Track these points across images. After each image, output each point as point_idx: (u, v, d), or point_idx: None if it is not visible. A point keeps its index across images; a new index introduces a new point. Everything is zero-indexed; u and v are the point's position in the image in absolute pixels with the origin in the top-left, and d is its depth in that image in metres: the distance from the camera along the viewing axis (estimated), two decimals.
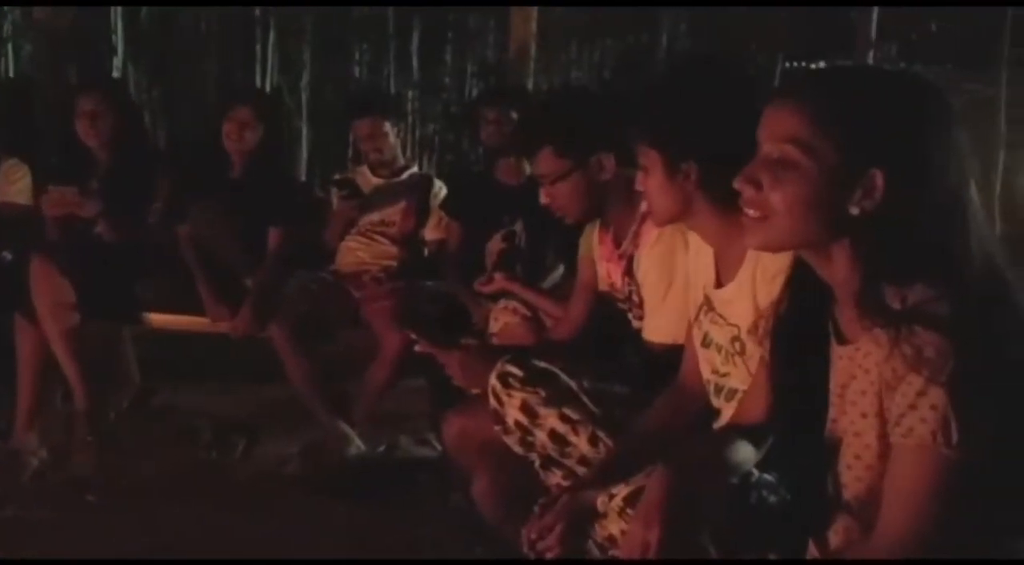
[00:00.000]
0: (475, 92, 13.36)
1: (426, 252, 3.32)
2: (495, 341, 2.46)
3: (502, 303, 2.50)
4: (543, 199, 1.92)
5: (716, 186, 1.39)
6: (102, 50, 8.51)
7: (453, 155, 10.95)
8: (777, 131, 1.07)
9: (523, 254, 3.08)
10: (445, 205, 3.23)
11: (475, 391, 2.10)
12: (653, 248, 1.76)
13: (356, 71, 13.87)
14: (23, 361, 2.80)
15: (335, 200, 3.27)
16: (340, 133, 13.95)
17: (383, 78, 14.12)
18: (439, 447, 2.97)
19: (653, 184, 1.47)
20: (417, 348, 2.04)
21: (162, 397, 3.33)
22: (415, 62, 13.72)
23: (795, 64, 14.69)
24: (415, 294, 3.04)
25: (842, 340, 1.11)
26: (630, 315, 1.94)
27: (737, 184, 1.10)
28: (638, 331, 1.88)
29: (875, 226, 1.03)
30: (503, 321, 2.46)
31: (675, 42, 10.79)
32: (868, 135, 1.03)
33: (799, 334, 1.18)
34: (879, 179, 1.01)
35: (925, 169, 1.02)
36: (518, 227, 3.07)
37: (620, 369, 1.76)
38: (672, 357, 1.66)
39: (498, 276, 2.52)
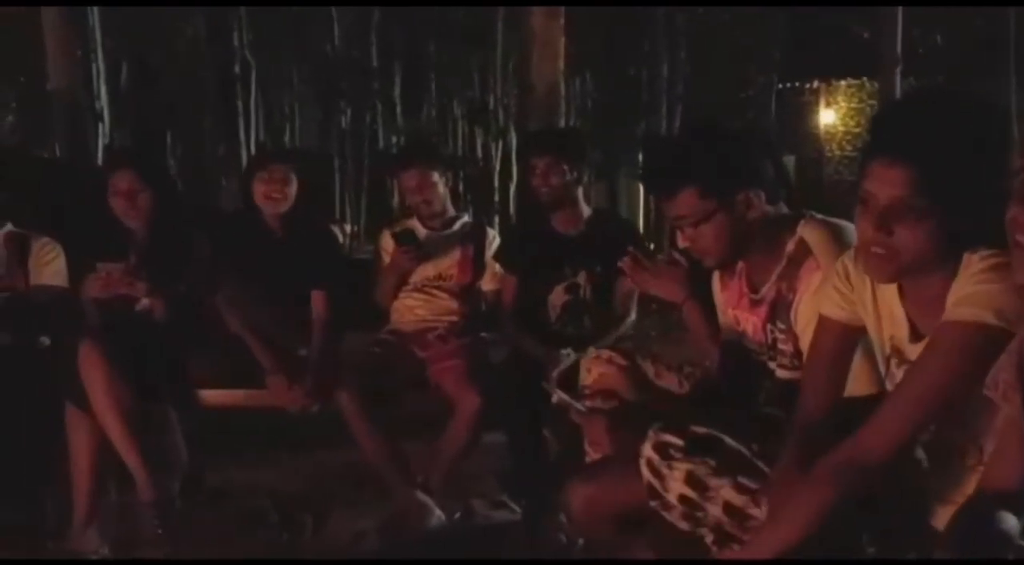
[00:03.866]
0: (463, 130, 13.43)
1: (484, 305, 3.18)
2: (588, 394, 2.32)
3: (594, 352, 2.34)
4: (681, 242, 1.79)
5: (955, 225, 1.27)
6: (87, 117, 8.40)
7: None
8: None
9: (588, 305, 2.96)
10: (500, 258, 3.09)
11: (597, 454, 1.97)
12: (817, 295, 1.61)
13: (341, 121, 13.86)
14: (78, 452, 2.61)
15: (386, 255, 3.12)
16: (328, 183, 13.91)
17: (366, 126, 14.13)
18: (518, 510, 2.84)
19: (923, 234, 1.28)
20: (574, 416, 1.88)
21: (215, 475, 3.15)
22: (399, 108, 13.74)
23: (790, 86, 14.85)
24: (484, 350, 2.90)
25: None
26: (772, 364, 1.79)
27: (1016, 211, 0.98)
28: (785, 381, 1.74)
29: None
30: (597, 371, 2.29)
31: (676, 70, 10.86)
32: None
33: None
34: None
35: None
36: (581, 278, 2.95)
37: (782, 427, 1.61)
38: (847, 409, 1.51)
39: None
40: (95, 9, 9.58)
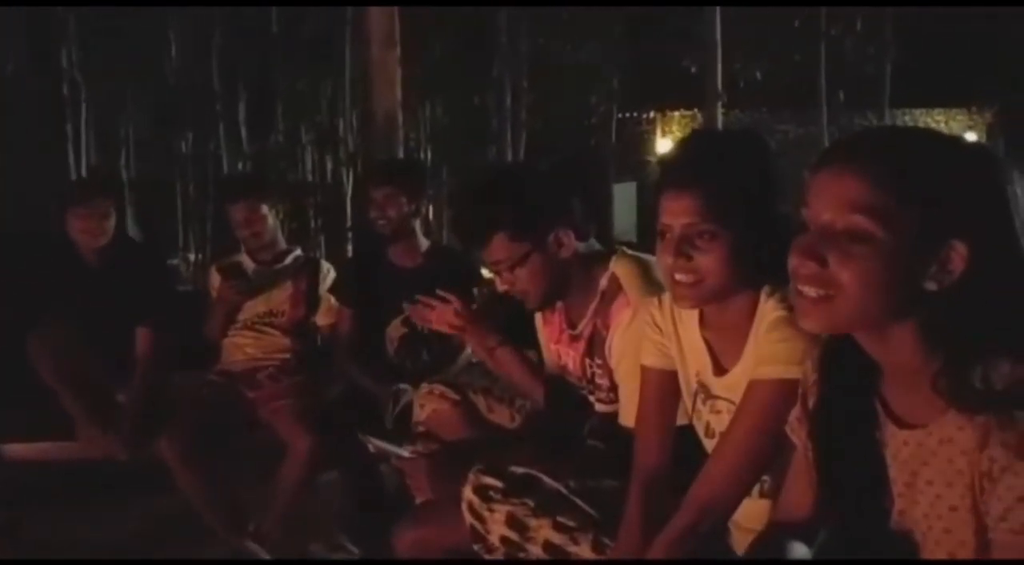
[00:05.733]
0: (313, 157, 13.15)
1: (319, 341, 3.09)
2: (422, 430, 2.28)
3: (426, 388, 2.31)
4: (500, 286, 1.78)
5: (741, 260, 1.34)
6: None
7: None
8: (840, 199, 0.96)
9: (426, 338, 2.92)
10: (335, 291, 3.02)
11: (421, 498, 1.93)
12: (628, 329, 1.65)
13: (182, 146, 13.30)
14: None
15: (215, 289, 2.99)
16: (169, 211, 13.30)
17: (209, 152, 13.62)
18: (356, 551, 2.76)
19: (718, 256, 1.35)
20: (394, 463, 1.83)
21: (31, 528, 2.88)
22: (243, 132, 13.32)
23: (629, 115, 15.44)
24: (316, 388, 2.82)
25: (903, 423, 1.03)
26: (592, 398, 1.82)
27: (795, 260, 1.00)
28: (605, 415, 1.76)
29: (950, 302, 0.95)
30: (430, 407, 2.26)
31: (519, 98, 11.05)
32: (947, 202, 0.94)
33: (841, 418, 1.09)
34: (961, 250, 0.94)
35: (1007, 237, 0.95)
36: None
37: (602, 461, 1.63)
38: None
39: (454, 302, 2.12)
40: None
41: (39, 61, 11.46)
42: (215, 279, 2.99)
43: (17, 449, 2.62)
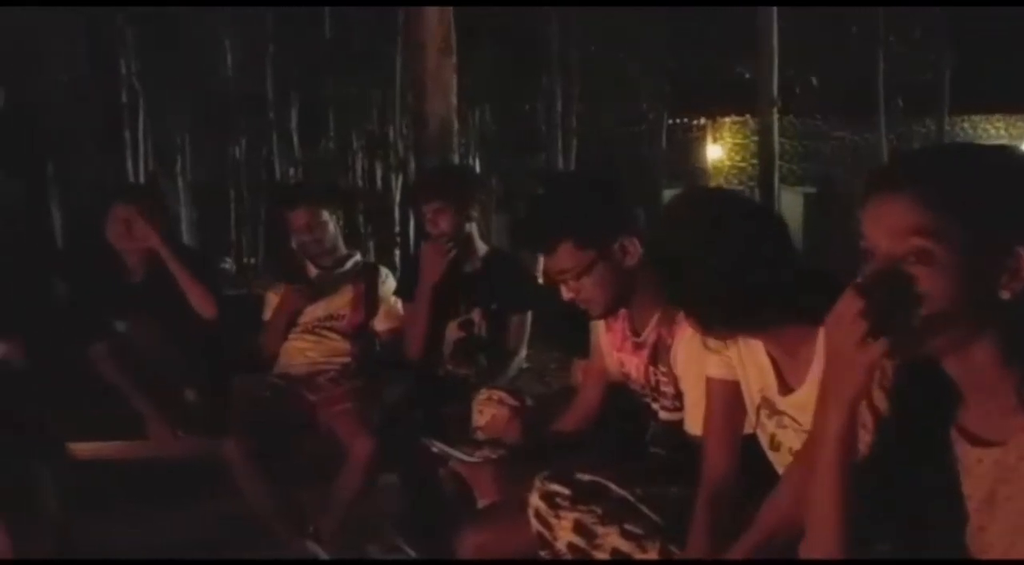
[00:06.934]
0: (363, 162, 13.31)
1: (378, 345, 3.12)
2: (481, 436, 2.30)
3: (485, 393, 2.33)
4: (565, 294, 1.78)
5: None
6: None
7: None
8: (895, 226, 0.97)
9: (482, 343, 2.94)
10: (400, 289, 3.05)
11: (484, 502, 1.94)
12: (695, 338, 1.64)
13: (236, 152, 13.57)
14: None
15: (272, 295, 3.05)
16: (223, 215, 13.57)
17: (262, 158, 13.87)
18: (413, 554, 2.78)
19: None
20: (455, 467, 1.85)
21: (95, 532, 2.96)
22: (295, 138, 13.53)
23: (680, 121, 15.37)
24: (376, 392, 2.85)
25: (979, 441, 1.02)
26: (656, 406, 1.81)
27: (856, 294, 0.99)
28: (669, 423, 1.76)
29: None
30: (490, 413, 2.28)
31: (568, 106, 11.05)
32: (1002, 212, 0.95)
33: (914, 441, 1.07)
34: None
35: None
36: (475, 315, 2.94)
37: (666, 469, 1.63)
38: None
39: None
40: None
41: (99, 69, 11.75)
42: (278, 287, 3.05)
43: (85, 449, 2.69)
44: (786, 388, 1.42)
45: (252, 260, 13.40)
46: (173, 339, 2.92)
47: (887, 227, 0.97)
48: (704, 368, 1.57)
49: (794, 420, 1.40)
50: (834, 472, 1.04)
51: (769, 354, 1.45)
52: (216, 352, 3.00)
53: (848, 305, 0.98)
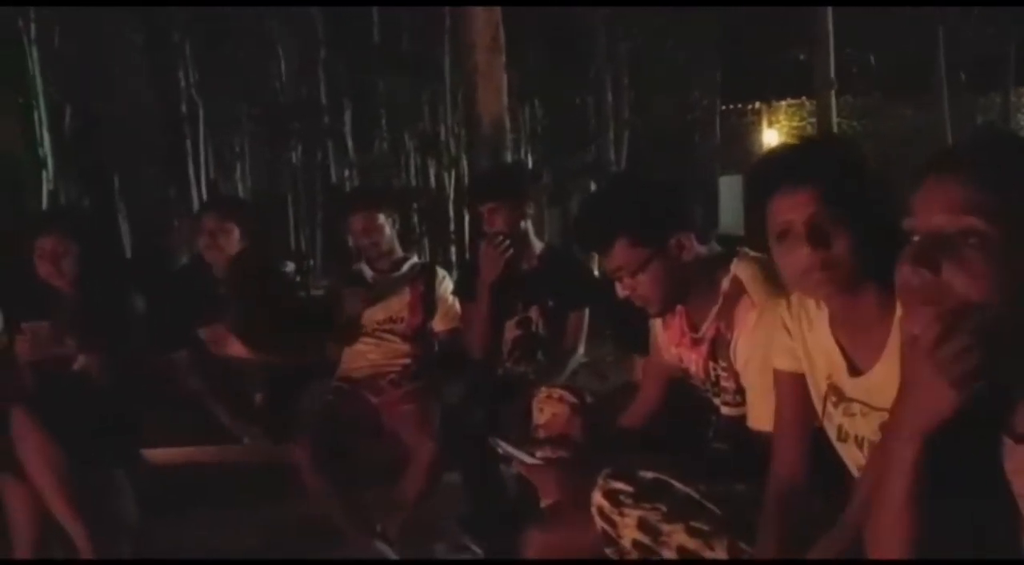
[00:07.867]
0: (416, 162, 13.42)
1: (437, 346, 3.15)
2: (542, 434, 2.30)
3: (545, 391, 2.34)
4: (621, 292, 1.78)
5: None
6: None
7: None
8: (950, 203, 0.97)
9: (540, 340, 2.95)
10: (459, 289, 3.08)
11: (548, 501, 1.95)
12: (755, 331, 1.63)
13: (292, 157, 13.79)
14: (18, 525, 2.52)
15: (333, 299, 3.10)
16: (282, 220, 13.80)
17: (318, 162, 14.07)
18: (480, 552, 2.81)
19: (837, 233, 1.35)
20: (518, 467, 1.86)
21: (170, 535, 3.05)
22: (349, 142, 13.70)
23: (733, 106, 15.13)
24: (437, 393, 2.88)
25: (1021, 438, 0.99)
26: (717, 401, 1.80)
27: (906, 269, 0.97)
28: (731, 419, 1.74)
29: None
30: (550, 411, 2.29)
31: (619, 97, 10.98)
32: None
33: (957, 439, 1.03)
34: None
35: None
36: (533, 313, 2.95)
37: (730, 465, 1.62)
38: None
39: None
40: (35, 55, 9.44)
41: (159, 84, 12.05)
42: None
43: (162, 454, 2.77)
44: (855, 371, 1.40)
45: (311, 262, 13.60)
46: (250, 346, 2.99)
47: (942, 204, 0.97)
48: (767, 362, 1.55)
49: (865, 404, 1.37)
50: (905, 506, 1.00)
51: (835, 337, 1.42)
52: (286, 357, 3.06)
53: (925, 328, 0.94)
